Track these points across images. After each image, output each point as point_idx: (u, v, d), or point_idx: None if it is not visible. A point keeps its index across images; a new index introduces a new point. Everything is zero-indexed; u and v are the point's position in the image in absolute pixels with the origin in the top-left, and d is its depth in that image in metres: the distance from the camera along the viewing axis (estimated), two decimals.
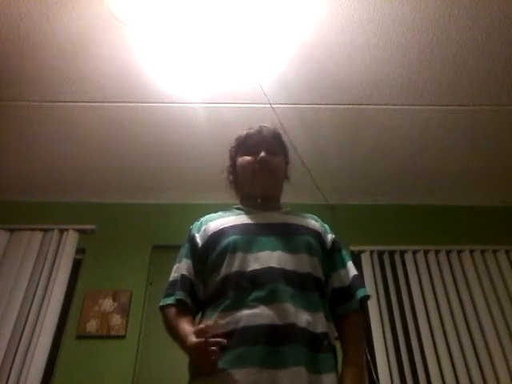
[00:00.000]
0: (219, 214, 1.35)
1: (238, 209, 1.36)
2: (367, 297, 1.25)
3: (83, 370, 2.44)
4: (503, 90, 2.32)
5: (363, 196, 3.12)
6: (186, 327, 1.12)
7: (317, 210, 1.53)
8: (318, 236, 1.29)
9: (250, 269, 1.14)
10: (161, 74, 2.22)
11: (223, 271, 1.16)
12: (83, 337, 2.54)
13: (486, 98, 2.37)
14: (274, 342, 1.03)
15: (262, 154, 1.32)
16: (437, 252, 2.92)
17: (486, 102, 2.39)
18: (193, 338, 1.02)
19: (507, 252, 2.92)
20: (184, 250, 1.30)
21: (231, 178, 1.42)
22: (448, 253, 2.93)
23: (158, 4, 1.87)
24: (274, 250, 1.17)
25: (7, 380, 2.28)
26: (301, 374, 1.00)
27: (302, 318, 1.07)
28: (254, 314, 1.06)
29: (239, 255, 1.16)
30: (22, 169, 2.83)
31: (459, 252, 2.92)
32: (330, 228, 1.40)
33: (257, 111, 2.42)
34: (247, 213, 1.32)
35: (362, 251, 2.89)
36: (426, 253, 2.92)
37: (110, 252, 2.86)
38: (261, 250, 1.17)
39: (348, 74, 2.23)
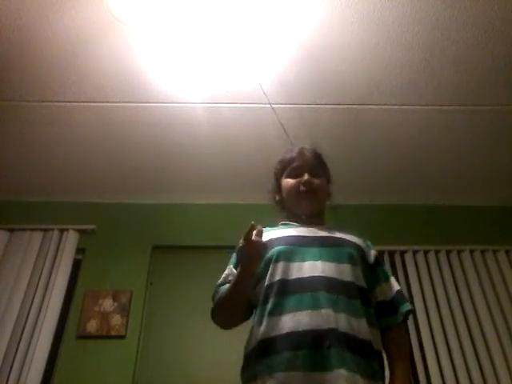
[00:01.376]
0: (267, 228, 1.39)
1: (283, 224, 1.42)
2: (410, 311, 1.29)
3: (83, 369, 2.44)
4: (503, 90, 2.32)
5: (363, 196, 3.12)
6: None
7: None
8: (361, 250, 1.34)
9: (292, 277, 1.18)
10: (161, 74, 2.22)
11: (267, 280, 1.21)
12: (83, 337, 2.53)
13: (486, 98, 2.36)
14: (318, 346, 1.06)
15: (306, 176, 1.39)
16: (437, 252, 2.92)
17: (486, 102, 2.39)
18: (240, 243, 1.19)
19: (507, 252, 2.92)
20: (232, 259, 1.36)
21: (277, 198, 1.49)
22: (448, 253, 2.92)
23: (157, 4, 1.87)
24: (317, 260, 1.22)
25: (7, 380, 2.28)
26: (345, 377, 1.02)
27: (344, 324, 1.10)
28: (297, 320, 1.10)
29: (282, 264, 1.21)
30: (22, 169, 2.83)
31: (459, 252, 2.92)
32: None
33: (257, 111, 2.42)
34: (293, 226, 1.38)
35: None
36: (425, 253, 2.91)
37: (109, 252, 2.86)
38: (304, 260, 1.22)
39: (348, 73, 2.23)
